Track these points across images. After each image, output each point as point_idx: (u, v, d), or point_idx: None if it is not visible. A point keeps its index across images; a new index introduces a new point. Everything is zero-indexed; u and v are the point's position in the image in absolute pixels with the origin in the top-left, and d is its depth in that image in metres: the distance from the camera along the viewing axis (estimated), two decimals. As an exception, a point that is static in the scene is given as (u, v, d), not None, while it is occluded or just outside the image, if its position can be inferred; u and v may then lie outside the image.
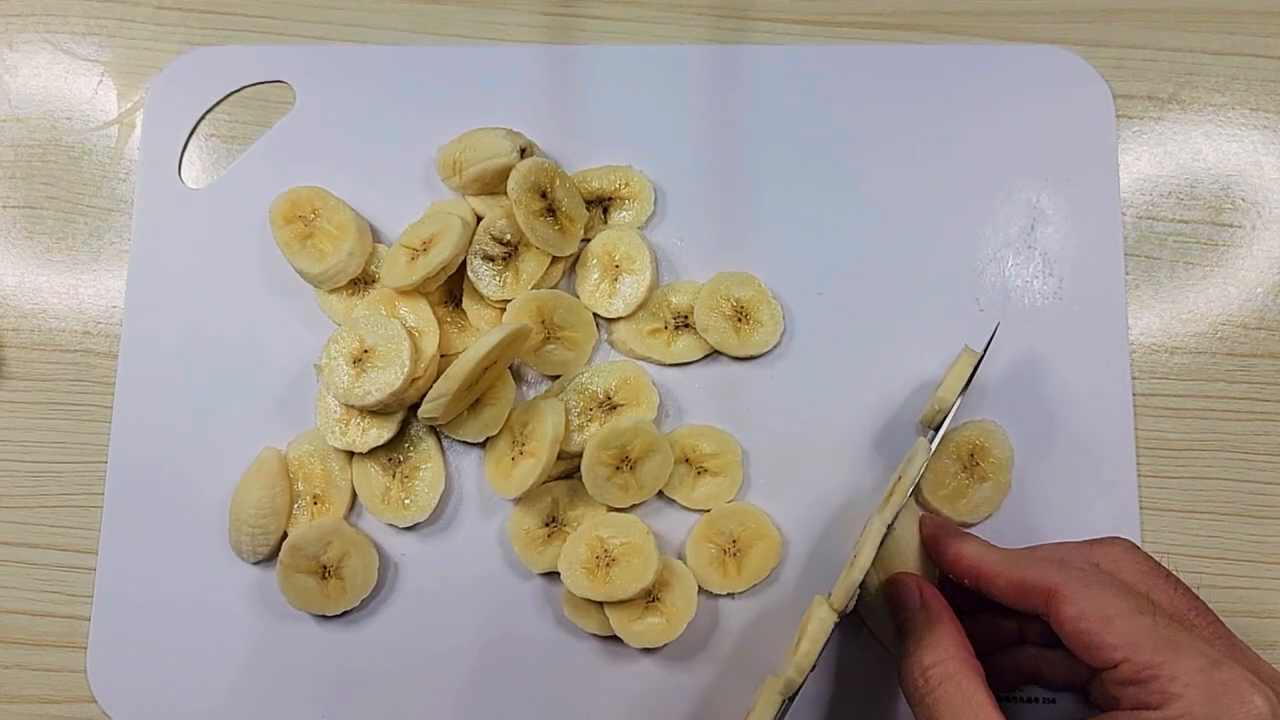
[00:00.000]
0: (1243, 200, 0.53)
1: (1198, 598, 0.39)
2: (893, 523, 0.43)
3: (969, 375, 0.47)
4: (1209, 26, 0.55)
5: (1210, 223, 0.53)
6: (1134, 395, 0.51)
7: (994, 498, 0.49)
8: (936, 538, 0.44)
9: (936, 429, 0.47)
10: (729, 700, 0.48)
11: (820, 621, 0.40)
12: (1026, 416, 0.50)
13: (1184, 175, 0.54)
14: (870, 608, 0.46)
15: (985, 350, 0.48)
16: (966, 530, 0.46)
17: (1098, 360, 0.51)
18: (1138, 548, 0.41)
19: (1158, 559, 0.49)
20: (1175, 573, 0.40)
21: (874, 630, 0.47)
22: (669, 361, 0.51)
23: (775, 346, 0.51)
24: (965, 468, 0.48)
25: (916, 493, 0.48)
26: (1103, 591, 0.37)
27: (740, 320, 0.50)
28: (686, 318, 0.51)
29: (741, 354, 0.50)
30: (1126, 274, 0.52)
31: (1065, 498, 0.49)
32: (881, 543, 0.42)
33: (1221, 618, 0.39)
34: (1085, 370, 0.51)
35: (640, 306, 0.51)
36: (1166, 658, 0.34)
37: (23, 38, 0.56)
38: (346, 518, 0.49)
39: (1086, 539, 0.42)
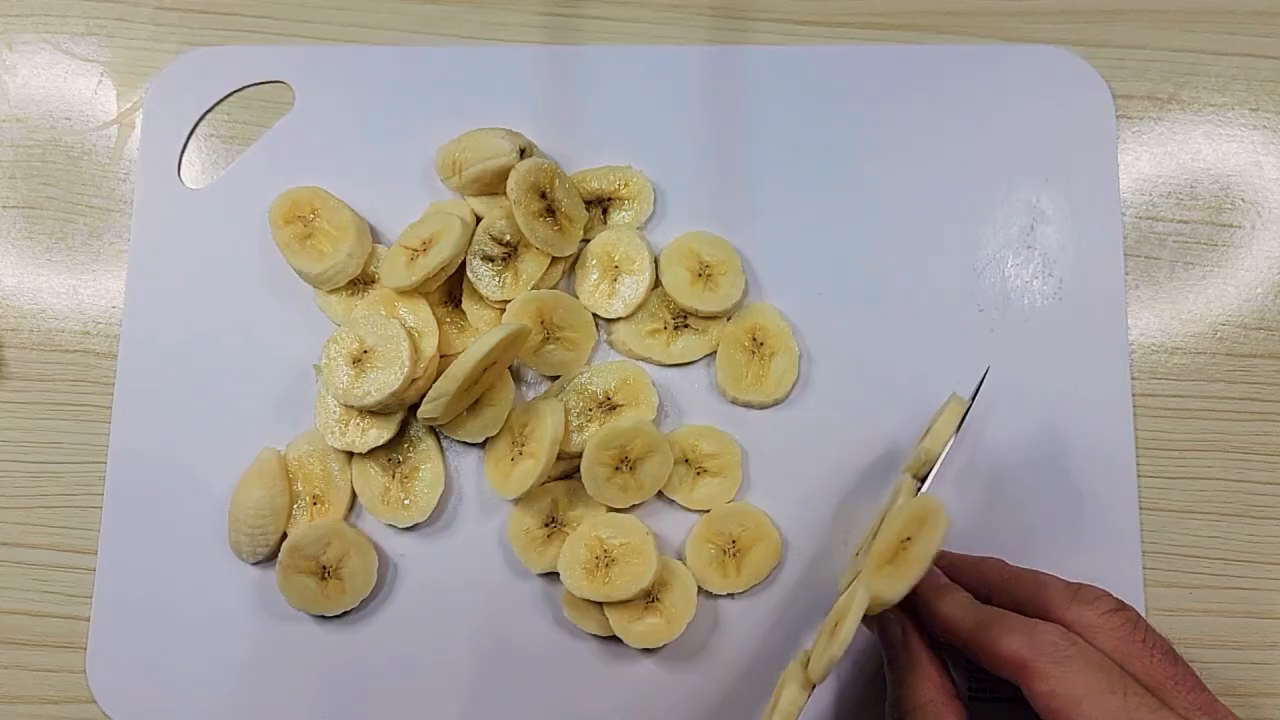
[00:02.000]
0: (1243, 200, 0.53)
1: (1178, 661, 0.38)
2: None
3: (957, 424, 0.45)
4: (1209, 26, 0.55)
5: (1210, 223, 0.53)
6: (1134, 395, 0.51)
7: (789, 370, 0.49)
8: (917, 593, 0.42)
9: (923, 480, 0.45)
10: (729, 701, 0.48)
11: (791, 699, 0.39)
12: (1026, 417, 0.50)
13: (1184, 175, 0.54)
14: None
15: (974, 397, 0.47)
16: (948, 576, 0.44)
17: (1098, 360, 0.51)
18: (1120, 607, 0.39)
19: (1158, 559, 0.49)
20: (1156, 634, 0.39)
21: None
22: (669, 362, 0.51)
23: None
24: (750, 350, 0.49)
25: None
26: (1075, 669, 0.36)
27: (702, 277, 0.50)
28: (686, 317, 0.51)
29: (702, 310, 0.50)
30: (1126, 274, 0.52)
31: (1064, 498, 0.49)
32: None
33: (1222, 618, 0.39)
34: (1085, 370, 0.51)
35: (639, 307, 0.50)
36: None
37: (22, 38, 0.56)
38: (346, 518, 0.49)
39: (1072, 583, 0.40)
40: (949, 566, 0.44)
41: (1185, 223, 0.53)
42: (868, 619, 0.43)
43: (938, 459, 0.44)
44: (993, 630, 0.38)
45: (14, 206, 0.54)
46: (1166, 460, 0.50)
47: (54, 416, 0.52)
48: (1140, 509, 0.49)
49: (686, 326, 0.51)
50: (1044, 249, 0.52)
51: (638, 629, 0.46)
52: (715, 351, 0.51)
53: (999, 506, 0.49)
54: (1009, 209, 0.52)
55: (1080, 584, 0.40)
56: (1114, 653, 0.38)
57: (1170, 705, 0.36)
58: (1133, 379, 0.51)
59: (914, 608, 0.43)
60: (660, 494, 0.49)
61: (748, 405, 0.50)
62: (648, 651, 0.48)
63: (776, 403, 0.50)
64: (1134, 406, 0.50)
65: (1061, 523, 0.49)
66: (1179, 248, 0.53)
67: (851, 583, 0.42)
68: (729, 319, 0.51)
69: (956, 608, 0.41)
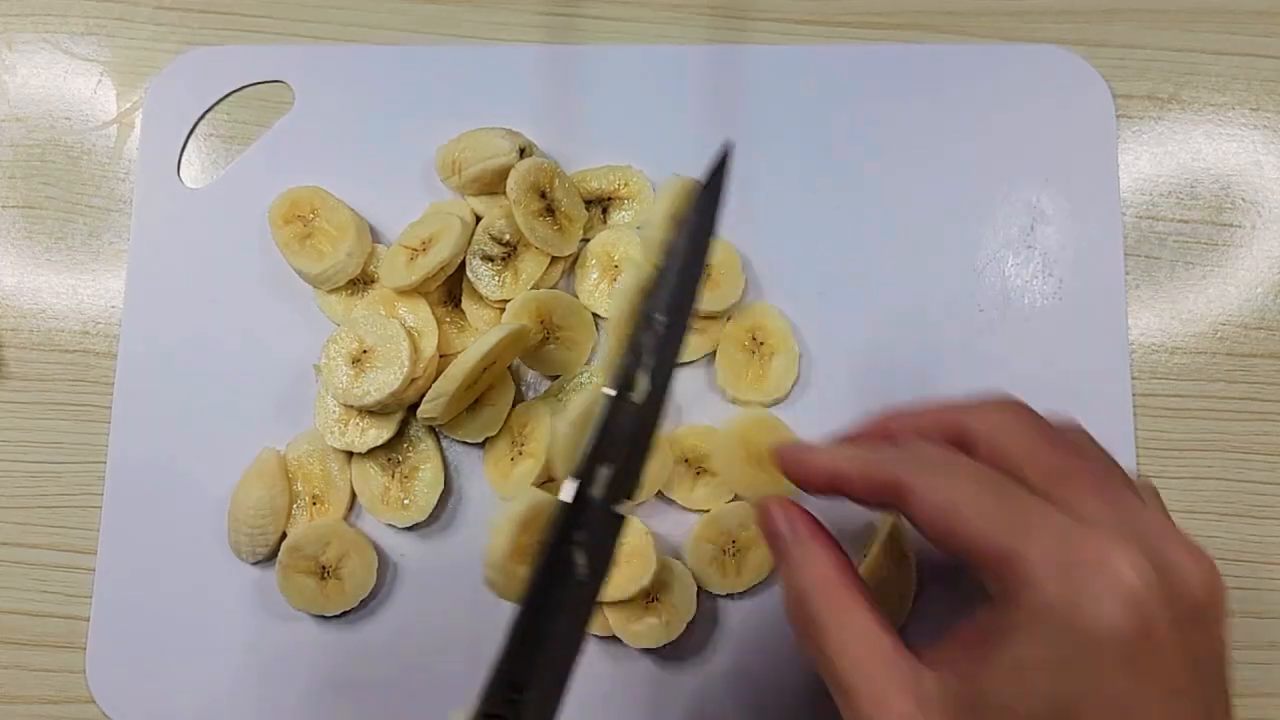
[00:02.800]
0: (1243, 200, 0.53)
1: (1087, 455, 0.35)
2: None
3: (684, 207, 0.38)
4: (1209, 26, 0.55)
5: (1210, 223, 0.53)
6: (1134, 395, 0.51)
7: (789, 370, 0.49)
8: (784, 456, 0.39)
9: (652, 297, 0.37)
10: (729, 701, 0.48)
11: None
12: (1026, 417, 0.50)
13: (1184, 175, 0.54)
14: None
15: (717, 177, 0.39)
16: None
17: (1098, 360, 0.51)
18: (1022, 406, 0.36)
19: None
20: (1067, 424, 0.36)
21: None
22: (668, 361, 0.51)
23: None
24: (750, 350, 0.49)
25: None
26: (949, 480, 0.33)
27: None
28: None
29: (701, 309, 0.49)
30: (1126, 274, 0.52)
31: (1065, 498, 0.49)
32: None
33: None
34: (1085, 370, 0.51)
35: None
36: (1018, 542, 0.30)
37: (22, 38, 0.56)
38: (345, 518, 0.49)
39: (970, 400, 0.37)
40: (850, 434, 0.40)
41: (1185, 222, 0.53)
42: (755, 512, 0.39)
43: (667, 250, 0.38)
44: (870, 463, 0.35)
45: (14, 206, 0.54)
46: (1166, 460, 0.50)
47: (54, 416, 0.52)
48: (1140, 509, 0.49)
49: (686, 326, 0.51)
50: (1044, 249, 0.52)
51: (637, 629, 0.46)
52: (715, 351, 0.51)
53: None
54: (1009, 209, 0.52)
55: (980, 396, 0.37)
56: (1014, 449, 0.34)
57: (1064, 495, 0.32)
58: (1133, 379, 0.51)
59: (798, 475, 0.39)
60: (660, 494, 0.49)
61: (747, 404, 0.50)
62: (648, 651, 0.48)
63: (776, 402, 0.50)
64: (1134, 406, 0.50)
65: (1061, 523, 0.49)
66: (1179, 247, 0.53)
67: None
68: (729, 318, 0.51)
69: (829, 452, 0.37)
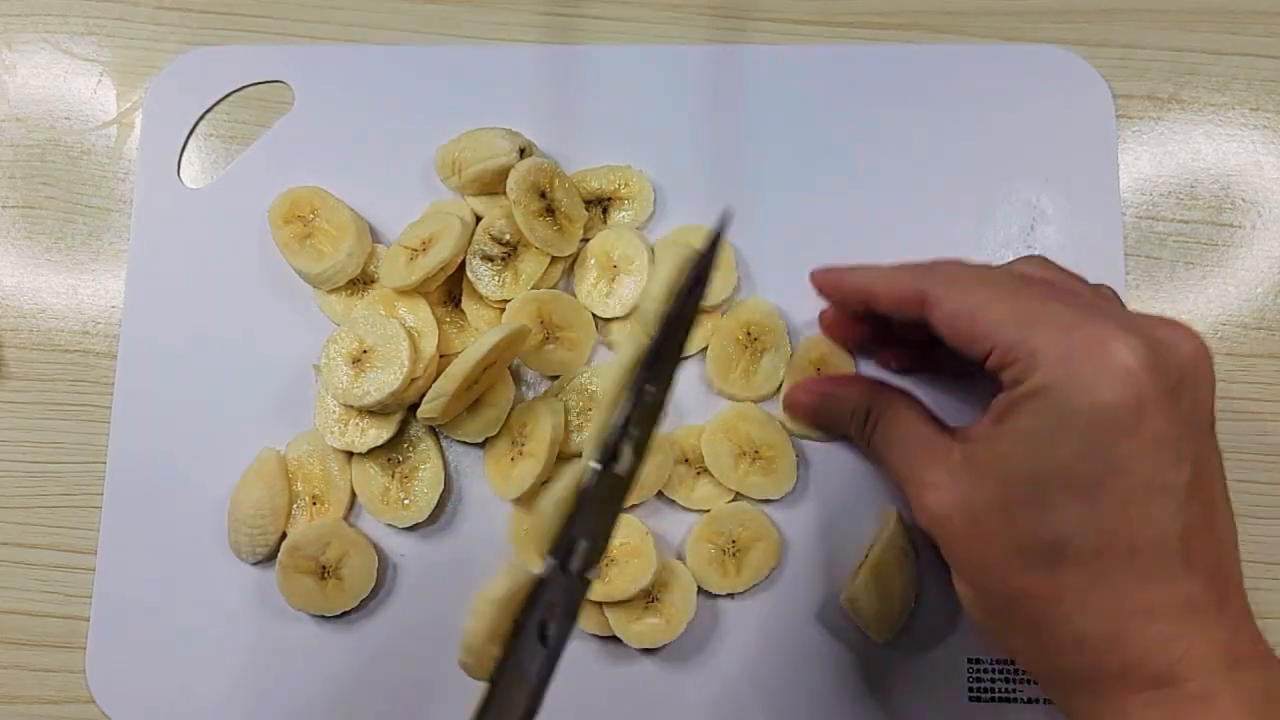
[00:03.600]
0: (1243, 200, 0.53)
1: (1101, 286, 0.40)
2: None
3: (680, 275, 0.38)
4: (1209, 26, 0.55)
5: (1210, 223, 0.53)
6: (1134, 395, 0.51)
7: (778, 367, 0.50)
8: (820, 275, 0.45)
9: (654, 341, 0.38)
10: (728, 701, 0.48)
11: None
12: (1026, 417, 0.50)
13: (1184, 175, 0.54)
14: (856, 602, 0.46)
15: (710, 245, 0.39)
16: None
17: (1098, 360, 0.51)
18: (1052, 263, 0.41)
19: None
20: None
21: (861, 625, 0.47)
22: (668, 361, 0.51)
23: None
24: (743, 345, 0.50)
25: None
26: (968, 286, 0.37)
27: None
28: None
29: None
30: (1127, 274, 0.52)
31: (1065, 498, 0.49)
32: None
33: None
34: (1085, 370, 0.50)
35: (637, 307, 0.50)
36: (1027, 334, 0.34)
37: (21, 38, 0.56)
38: (345, 518, 0.49)
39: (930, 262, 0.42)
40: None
41: (1185, 223, 0.53)
42: (822, 421, 0.48)
43: (664, 313, 0.38)
44: (896, 277, 0.40)
45: (14, 206, 0.54)
46: (1166, 460, 0.50)
47: (54, 416, 0.52)
48: (1140, 509, 0.49)
49: (686, 326, 0.51)
50: (1044, 249, 0.52)
51: (637, 629, 0.46)
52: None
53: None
54: (1009, 209, 0.52)
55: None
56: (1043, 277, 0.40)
57: (1074, 300, 0.36)
58: (1133, 379, 0.51)
59: (835, 293, 0.45)
60: (660, 494, 0.49)
61: (734, 399, 0.50)
62: (648, 651, 0.48)
63: (763, 399, 0.50)
64: (1134, 406, 0.50)
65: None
66: (1179, 248, 0.53)
67: None
68: (723, 313, 0.51)
69: (863, 270, 0.43)
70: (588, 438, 0.38)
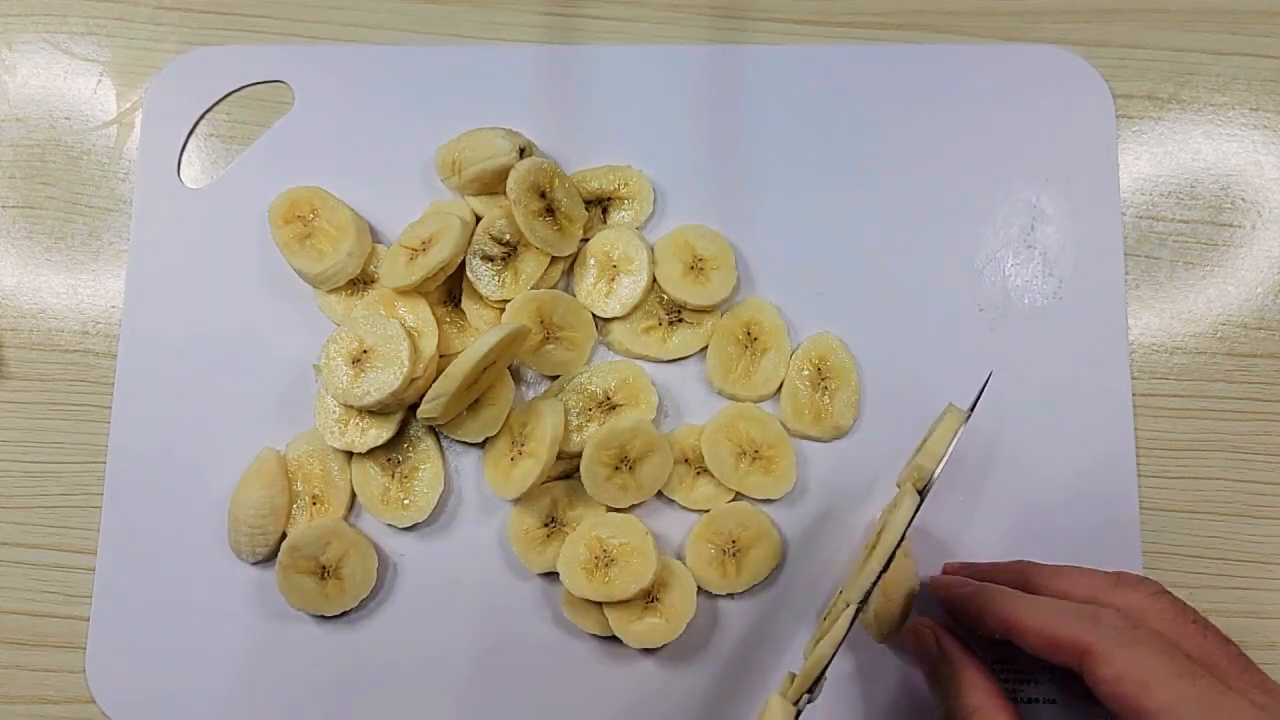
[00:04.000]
0: (1243, 200, 0.53)
1: (1229, 642, 0.38)
2: (872, 587, 0.41)
3: (953, 437, 0.43)
4: (1209, 26, 0.55)
5: (1210, 223, 0.53)
6: (1134, 395, 0.51)
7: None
8: (957, 596, 0.43)
9: (922, 492, 0.42)
10: (728, 701, 0.48)
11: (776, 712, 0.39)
12: (1027, 416, 0.50)
13: (1184, 175, 0.54)
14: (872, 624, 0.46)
15: (973, 407, 0.44)
16: (983, 577, 0.44)
17: (1098, 360, 0.51)
18: (1164, 592, 0.39)
19: (1158, 559, 0.49)
20: (1204, 616, 0.39)
21: (861, 625, 0.47)
22: (665, 358, 0.51)
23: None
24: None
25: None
26: (1140, 652, 0.35)
27: (694, 270, 0.50)
28: (680, 312, 0.51)
29: (693, 303, 0.50)
30: (1126, 274, 0.52)
31: (1065, 498, 0.49)
32: (852, 622, 0.40)
33: (1221, 618, 0.39)
34: (1085, 370, 0.51)
35: (637, 307, 0.50)
36: None
37: (21, 38, 0.56)
38: (345, 518, 0.49)
39: (1110, 571, 0.40)
40: (986, 575, 0.43)
41: (1185, 222, 0.53)
42: (902, 636, 0.44)
43: (933, 475, 0.42)
44: (1053, 617, 0.38)
45: (14, 206, 0.54)
46: (1166, 460, 0.50)
47: (54, 416, 0.52)
48: (1140, 509, 0.49)
49: (681, 321, 0.51)
50: (1044, 249, 0.52)
51: (637, 629, 0.46)
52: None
53: (998, 507, 0.49)
54: (1009, 209, 0.52)
55: (1119, 571, 0.40)
56: (1167, 633, 0.37)
57: (1229, 683, 0.35)
58: (1133, 379, 0.51)
59: (957, 618, 0.43)
60: (660, 494, 0.49)
61: (734, 399, 0.50)
62: (648, 651, 0.48)
63: (763, 399, 0.50)
64: (1134, 406, 0.50)
65: (1061, 522, 0.49)
66: (1179, 247, 0.53)
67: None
68: (723, 313, 0.51)
69: (1004, 599, 0.40)
70: (850, 585, 0.42)
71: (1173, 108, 0.54)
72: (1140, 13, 0.55)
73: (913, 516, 0.41)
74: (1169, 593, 0.39)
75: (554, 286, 0.51)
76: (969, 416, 0.43)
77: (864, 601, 0.40)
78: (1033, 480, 0.49)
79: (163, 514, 0.50)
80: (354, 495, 0.50)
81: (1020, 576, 0.43)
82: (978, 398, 0.44)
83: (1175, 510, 0.50)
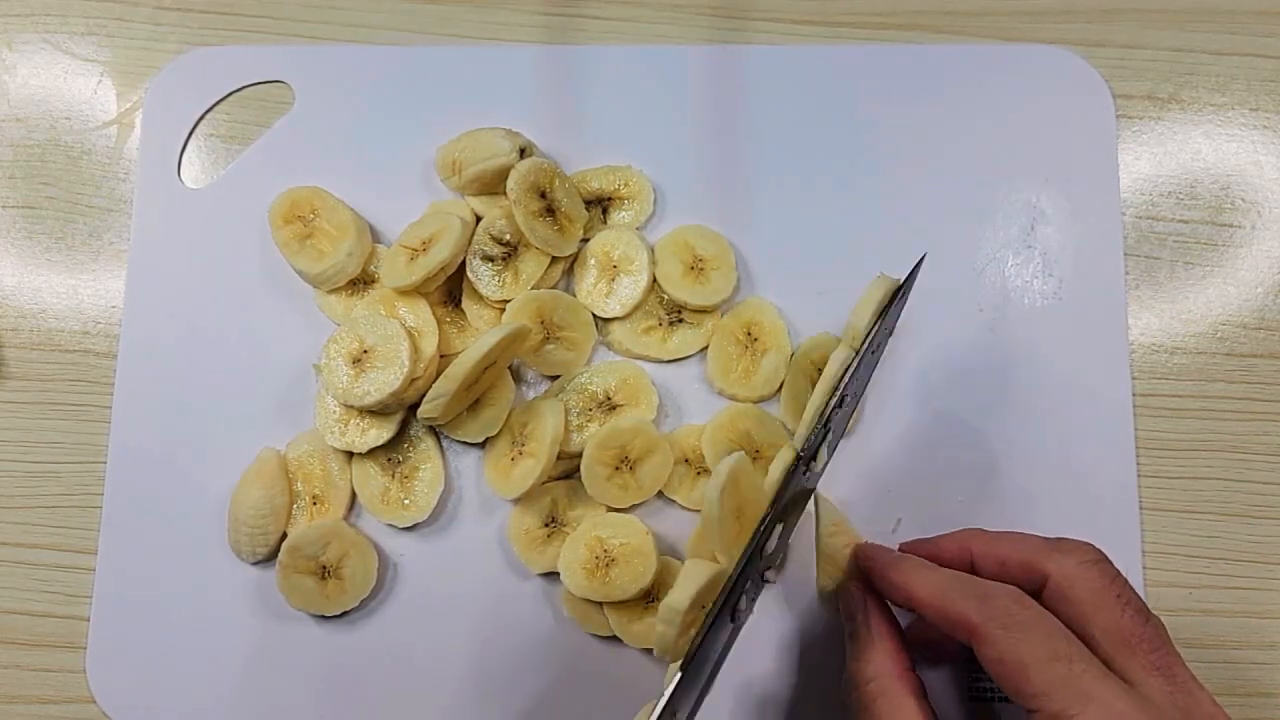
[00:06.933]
0: (1243, 200, 0.53)
1: (1148, 621, 0.37)
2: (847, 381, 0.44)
3: (881, 302, 0.45)
4: (1209, 26, 0.55)
5: (1210, 223, 0.53)
6: (1134, 395, 0.51)
7: (780, 368, 0.50)
8: (870, 565, 0.43)
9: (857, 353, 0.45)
10: (728, 701, 0.48)
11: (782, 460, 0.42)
12: (1026, 416, 0.50)
13: (1184, 175, 0.54)
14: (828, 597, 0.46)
15: (907, 280, 0.46)
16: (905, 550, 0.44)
17: (1098, 360, 0.51)
18: (1099, 560, 0.39)
19: (1158, 559, 0.49)
20: (1132, 589, 0.38)
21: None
22: (665, 358, 0.51)
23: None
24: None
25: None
26: (1021, 636, 0.36)
27: (694, 270, 0.50)
28: (680, 312, 0.51)
29: (693, 303, 0.50)
30: (1126, 274, 0.52)
31: (1065, 498, 0.49)
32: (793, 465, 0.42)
33: (1222, 618, 0.38)
34: (1085, 370, 0.51)
35: (637, 307, 0.50)
36: (1077, 709, 0.34)
37: (22, 38, 0.56)
38: (346, 518, 0.49)
39: (1052, 538, 0.40)
40: (933, 547, 0.43)
41: (1185, 222, 0.53)
42: (834, 595, 0.45)
43: (866, 336, 0.45)
44: (948, 595, 0.38)
45: (14, 206, 0.54)
46: (1166, 460, 0.50)
47: (54, 416, 0.52)
48: (1140, 509, 0.49)
49: (681, 321, 0.51)
50: (1044, 249, 0.52)
51: (638, 628, 0.46)
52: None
53: (998, 506, 0.49)
54: (1009, 209, 0.52)
55: (1061, 537, 0.40)
56: (1086, 603, 0.37)
57: (1127, 663, 0.36)
58: (1133, 379, 0.51)
59: (877, 585, 0.43)
60: (660, 493, 0.49)
61: (734, 399, 0.50)
62: (648, 651, 0.48)
63: (763, 399, 0.50)
64: (1134, 406, 0.50)
65: (1061, 523, 0.49)
66: (1179, 248, 0.53)
67: None
68: (724, 313, 0.51)
69: (910, 571, 0.40)
70: (797, 434, 0.44)
71: (1173, 108, 0.54)
72: (1140, 13, 0.55)
73: (847, 373, 0.44)
74: (1106, 561, 0.39)
75: (554, 287, 0.51)
76: (902, 288, 0.46)
77: (807, 449, 0.43)
78: (1032, 480, 0.49)
79: (163, 514, 0.50)
80: (354, 495, 0.50)
81: (961, 548, 0.42)
82: (912, 272, 0.47)
83: (1175, 510, 0.50)
